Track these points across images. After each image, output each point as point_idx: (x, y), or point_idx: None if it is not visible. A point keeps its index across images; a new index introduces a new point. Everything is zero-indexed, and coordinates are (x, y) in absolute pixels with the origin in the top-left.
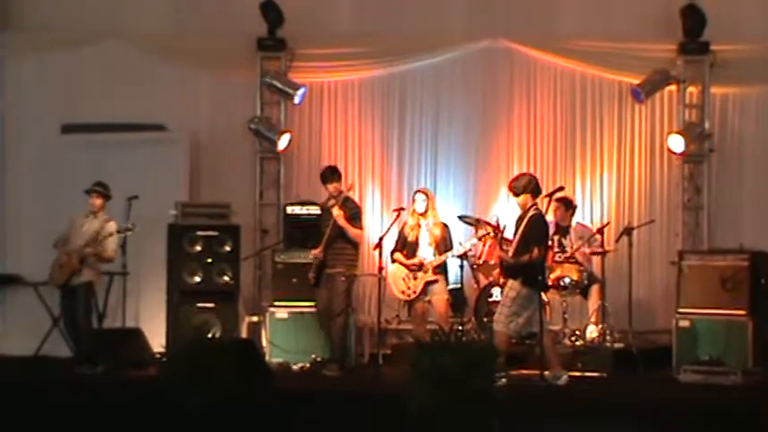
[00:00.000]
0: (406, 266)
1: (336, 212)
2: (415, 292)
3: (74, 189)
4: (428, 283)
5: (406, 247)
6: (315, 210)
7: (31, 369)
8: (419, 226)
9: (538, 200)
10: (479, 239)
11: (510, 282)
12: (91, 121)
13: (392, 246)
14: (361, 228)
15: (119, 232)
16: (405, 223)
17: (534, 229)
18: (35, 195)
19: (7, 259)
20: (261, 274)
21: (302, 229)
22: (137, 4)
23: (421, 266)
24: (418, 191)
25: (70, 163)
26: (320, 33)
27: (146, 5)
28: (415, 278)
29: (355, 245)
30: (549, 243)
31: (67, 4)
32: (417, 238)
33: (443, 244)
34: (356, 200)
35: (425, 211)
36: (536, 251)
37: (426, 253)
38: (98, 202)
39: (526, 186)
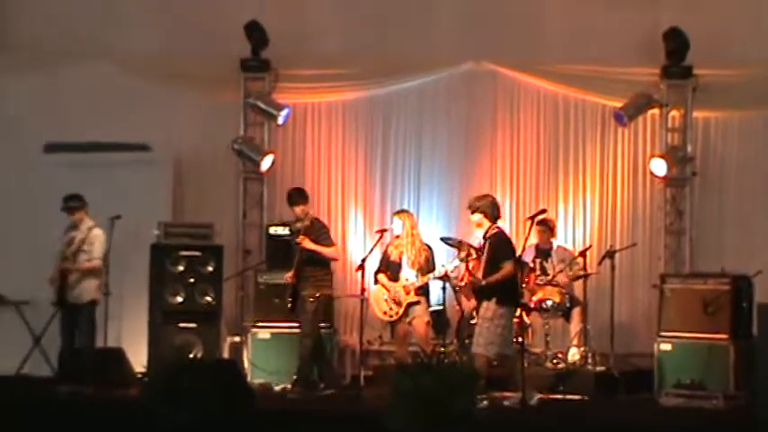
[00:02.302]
0: (388, 290)
1: (302, 240)
2: (397, 314)
3: (56, 208)
4: (410, 305)
5: (389, 268)
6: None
7: (11, 388)
8: (400, 247)
9: (499, 223)
10: (461, 261)
11: (485, 303)
12: (75, 139)
13: (376, 267)
14: (333, 243)
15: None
16: (388, 244)
17: (498, 246)
18: (17, 214)
19: None
20: (243, 294)
21: (284, 250)
22: (122, 25)
23: (399, 303)
24: (394, 213)
25: (53, 182)
26: (304, 54)
27: (131, 26)
28: (396, 300)
29: (325, 265)
30: (531, 265)
31: (52, 24)
32: (400, 259)
33: (426, 265)
34: (322, 219)
35: (404, 234)
36: (507, 266)
37: (409, 274)
38: (76, 216)
39: (481, 205)
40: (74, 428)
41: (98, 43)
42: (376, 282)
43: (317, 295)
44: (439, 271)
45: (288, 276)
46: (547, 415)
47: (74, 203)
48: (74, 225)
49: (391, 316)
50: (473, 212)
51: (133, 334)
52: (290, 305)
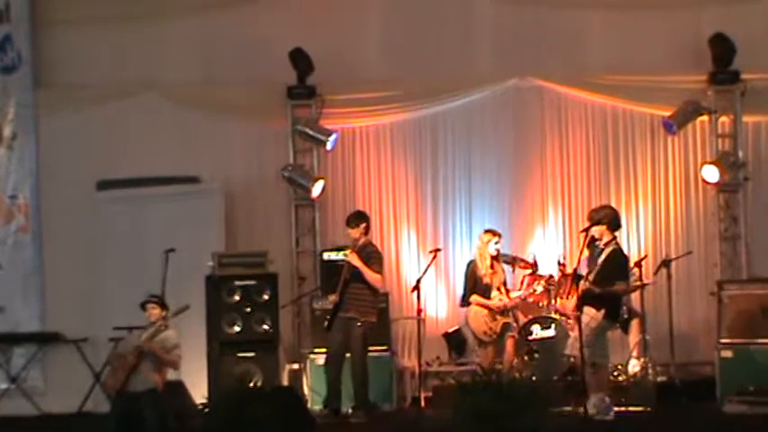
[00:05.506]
0: (489, 308)
1: (350, 254)
2: (495, 332)
3: (111, 245)
4: (505, 324)
5: (483, 289)
6: None
7: (74, 427)
8: (492, 268)
9: (617, 234)
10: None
11: (591, 311)
12: (125, 175)
13: (466, 289)
14: (379, 273)
15: (176, 314)
16: (475, 265)
17: (615, 265)
18: (72, 252)
19: (47, 317)
20: (300, 321)
21: (339, 275)
22: (167, 57)
23: (504, 311)
24: (492, 233)
25: (106, 219)
26: (349, 79)
27: (176, 58)
28: (495, 319)
29: (373, 290)
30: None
31: (99, 60)
32: (492, 280)
33: (504, 285)
34: (377, 246)
35: (493, 255)
36: (621, 286)
37: (496, 295)
38: (155, 312)
39: (603, 217)
40: None
41: (144, 77)
42: (468, 304)
43: (363, 320)
44: (519, 294)
45: (332, 299)
46: (610, 427)
47: (156, 299)
48: (150, 323)
49: (491, 335)
50: (592, 224)
51: (192, 366)
52: (326, 323)
